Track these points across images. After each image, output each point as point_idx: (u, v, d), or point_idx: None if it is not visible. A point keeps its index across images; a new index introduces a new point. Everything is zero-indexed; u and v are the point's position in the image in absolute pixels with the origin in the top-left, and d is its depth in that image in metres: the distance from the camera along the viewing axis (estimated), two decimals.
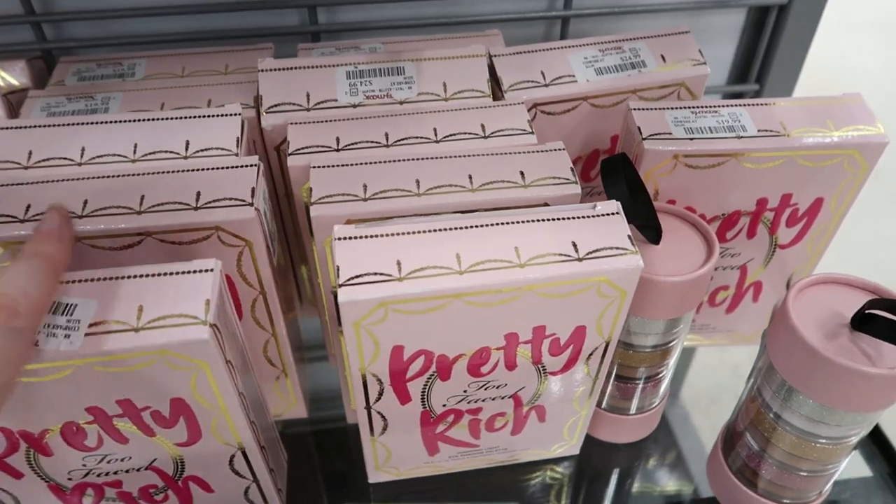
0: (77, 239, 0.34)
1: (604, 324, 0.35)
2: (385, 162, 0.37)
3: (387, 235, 0.33)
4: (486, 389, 0.38)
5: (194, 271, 0.30)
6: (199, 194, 0.35)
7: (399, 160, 0.37)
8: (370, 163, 0.37)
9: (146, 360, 0.28)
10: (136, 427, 0.31)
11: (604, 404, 0.45)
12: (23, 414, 0.30)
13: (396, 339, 0.33)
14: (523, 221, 0.34)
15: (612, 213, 0.34)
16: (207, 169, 0.36)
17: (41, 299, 0.27)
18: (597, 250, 0.32)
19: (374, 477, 0.44)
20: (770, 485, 0.40)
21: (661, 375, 0.44)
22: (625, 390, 0.44)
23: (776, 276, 0.49)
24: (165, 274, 0.30)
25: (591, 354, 0.37)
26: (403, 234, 0.33)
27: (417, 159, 0.37)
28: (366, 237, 0.33)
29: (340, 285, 0.31)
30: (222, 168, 0.36)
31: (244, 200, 0.35)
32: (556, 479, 0.47)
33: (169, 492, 0.36)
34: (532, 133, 0.39)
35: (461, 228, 0.33)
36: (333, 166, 0.37)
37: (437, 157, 0.37)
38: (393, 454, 0.42)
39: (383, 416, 0.38)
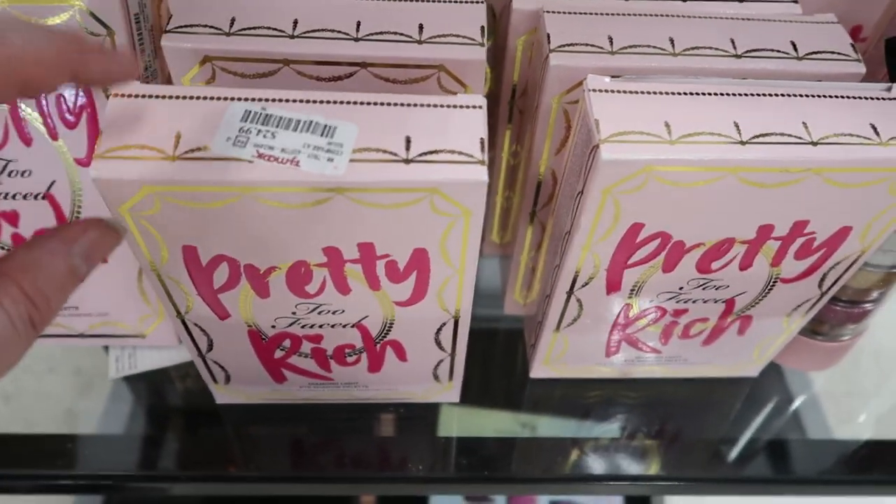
0: (286, 62, 0.30)
1: (873, 228, 0.30)
2: (630, 15, 0.32)
3: (650, 93, 0.28)
4: (703, 289, 0.34)
5: (460, 106, 0.26)
6: (421, 27, 0.30)
7: (646, 14, 0.32)
8: (612, 14, 0.32)
9: (412, 198, 0.24)
10: (364, 277, 0.28)
11: None
12: (258, 246, 0.26)
13: (641, 215, 0.29)
14: (808, 95, 0.28)
15: None
16: (428, 1, 0.31)
17: (21, 56, 0.17)
18: None
19: (537, 372, 0.41)
20: None
21: (871, 303, 0.39)
22: (828, 312, 0.39)
23: None
24: (430, 105, 0.26)
25: (836, 265, 0.32)
26: (670, 93, 0.28)
27: (668, 16, 0.32)
28: (625, 92, 0.28)
29: (602, 142, 0.26)
30: (445, 1, 0.31)
31: (473, 39, 0.30)
32: (725, 402, 0.43)
33: (363, 355, 0.34)
34: (797, 2, 0.33)
35: (737, 95, 0.28)
36: (569, 13, 0.32)
37: (690, 17, 0.32)
38: (569, 350, 0.39)
39: (581, 305, 0.35)
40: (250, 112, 0.25)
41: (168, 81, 0.36)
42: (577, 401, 0.43)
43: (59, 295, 0.19)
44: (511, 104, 0.38)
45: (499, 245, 0.47)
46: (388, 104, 0.26)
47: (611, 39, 0.31)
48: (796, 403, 0.44)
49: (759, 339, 0.38)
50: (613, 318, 0.36)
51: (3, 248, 0.37)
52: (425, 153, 0.25)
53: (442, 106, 0.26)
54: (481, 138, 0.25)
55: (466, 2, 0.31)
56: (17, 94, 0.18)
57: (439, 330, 0.33)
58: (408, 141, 0.25)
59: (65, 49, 0.19)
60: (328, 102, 0.26)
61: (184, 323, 0.31)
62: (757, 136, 0.27)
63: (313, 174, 0.24)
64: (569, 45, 0.30)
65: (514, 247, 0.41)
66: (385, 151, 0.25)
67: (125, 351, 0.42)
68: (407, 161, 0.24)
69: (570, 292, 0.34)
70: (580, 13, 0.32)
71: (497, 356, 0.45)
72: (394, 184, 0.24)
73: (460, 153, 0.25)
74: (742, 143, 0.27)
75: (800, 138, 0.27)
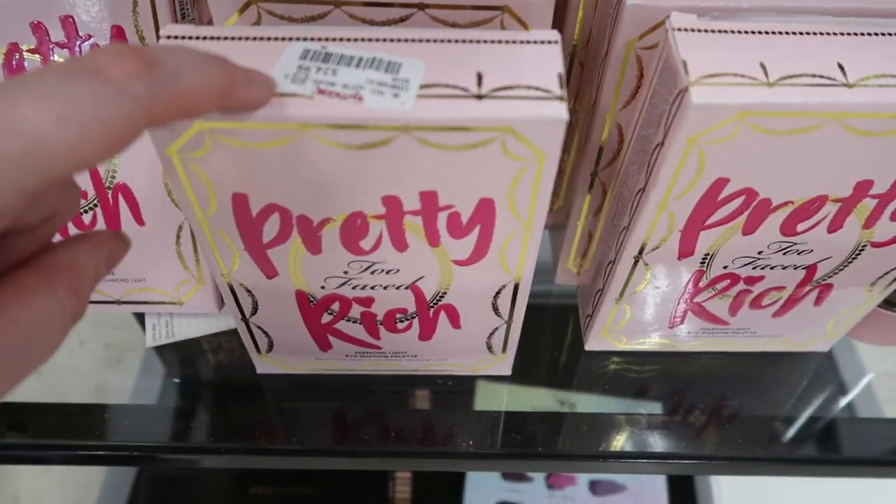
0: (337, 4, 0.27)
1: None
2: None
3: (741, 32, 0.25)
4: (784, 254, 0.31)
5: (534, 41, 0.24)
6: None
7: None
8: None
9: (483, 138, 0.22)
10: (423, 231, 0.26)
11: None
12: (313, 194, 0.24)
13: (727, 169, 0.26)
14: None
15: None
16: None
17: (187, 92, 0.18)
18: None
19: (593, 344, 0.39)
20: None
21: None
22: None
23: None
24: (500, 41, 0.23)
25: None
26: (764, 32, 0.25)
27: None
28: (713, 31, 0.25)
29: (692, 83, 0.24)
30: None
31: None
32: (788, 378, 0.41)
33: (414, 321, 0.32)
34: None
35: (839, 34, 0.25)
36: None
37: None
38: (630, 320, 0.36)
39: (648, 270, 0.32)
40: (309, 51, 0.23)
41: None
42: (631, 375, 0.41)
43: (90, 293, 0.20)
44: (572, 58, 0.35)
45: (548, 212, 0.45)
46: (455, 41, 0.24)
47: None
48: (864, 381, 0.42)
49: (836, 310, 0.36)
50: (682, 286, 0.33)
51: None
52: (499, 88, 0.22)
53: (513, 42, 0.24)
54: (559, 73, 0.23)
55: None
56: (174, 121, 0.19)
57: (498, 294, 0.31)
58: (479, 77, 0.23)
59: (223, 84, 0.19)
60: (391, 40, 0.24)
61: (228, 284, 0.29)
62: (865, 78, 0.24)
63: (378, 110, 0.22)
64: None
65: (568, 213, 0.39)
66: (455, 87, 0.22)
67: (162, 318, 0.40)
68: (479, 97, 0.22)
69: (639, 257, 0.31)
70: None
71: (548, 328, 0.43)
72: (465, 121, 0.22)
73: (537, 88, 0.22)
74: (848, 85, 0.24)
75: None
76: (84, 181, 0.35)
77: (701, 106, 0.24)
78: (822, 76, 0.24)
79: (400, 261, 0.28)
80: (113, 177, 0.34)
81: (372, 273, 0.29)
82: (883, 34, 0.25)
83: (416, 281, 0.29)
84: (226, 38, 0.24)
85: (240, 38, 0.24)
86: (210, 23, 0.34)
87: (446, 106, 0.22)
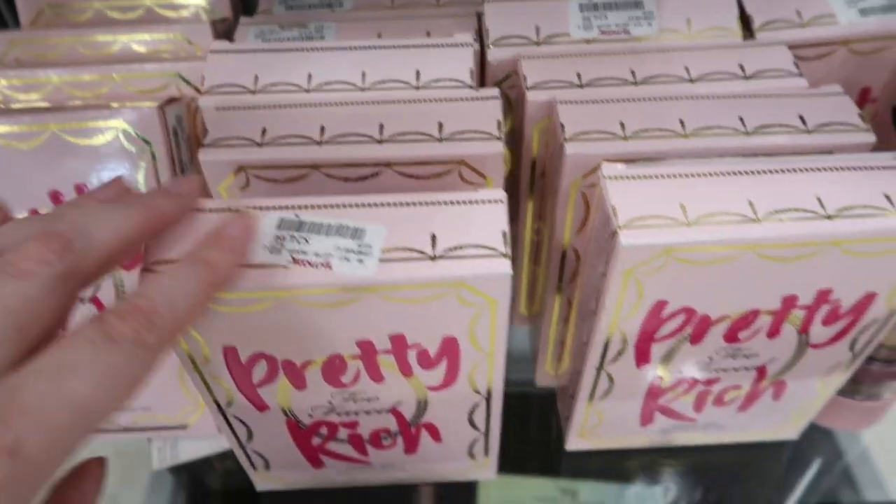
0: (315, 167, 0.32)
1: None
2: (639, 100, 0.33)
3: (664, 177, 0.29)
4: (733, 358, 0.34)
5: (482, 201, 0.27)
6: (441, 125, 0.32)
7: (655, 98, 0.33)
8: (622, 100, 0.33)
9: (439, 292, 0.26)
10: (397, 365, 0.29)
11: None
12: (294, 343, 0.28)
13: (663, 293, 0.29)
14: (819, 169, 0.29)
15: None
16: (446, 100, 0.33)
17: (186, 316, 0.22)
18: None
19: (572, 444, 0.41)
20: None
21: None
22: (864, 373, 0.39)
23: None
24: (452, 202, 0.27)
25: (865, 328, 0.32)
26: (683, 175, 0.29)
27: (676, 98, 0.33)
28: (639, 177, 0.29)
29: (620, 227, 0.27)
30: (462, 100, 0.33)
31: (491, 134, 0.32)
32: (769, 465, 0.43)
33: (398, 438, 0.34)
34: (801, 76, 0.35)
35: (749, 173, 0.29)
36: (581, 102, 0.33)
37: (698, 98, 0.33)
38: (603, 421, 0.39)
39: (611, 379, 0.35)
40: (284, 219, 0.27)
41: (205, 186, 0.39)
42: (613, 470, 0.43)
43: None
44: (531, 182, 0.39)
45: (527, 317, 0.48)
46: (413, 203, 0.28)
47: (623, 125, 0.32)
48: (838, 464, 0.43)
49: (795, 402, 0.38)
50: (645, 389, 0.36)
51: None
52: (450, 249, 0.26)
53: (464, 202, 0.28)
54: (503, 231, 0.26)
55: (481, 98, 0.33)
56: (111, 271, 0.22)
57: (472, 411, 0.33)
58: (433, 238, 0.26)
59: (144, 218, 0.23)
60: (357, 206, 0.27)
61: (224, 416, 0.32)
62: (771, 213, 0.28)
63: (346, 276, 0.25)
64: (582, 133, 0.32)
65: (543, 319, 0.42)
66: (412, 250, 0.26)
67: (167, 442, 0.43)
68: (433, 258, 0.26)
69: (601, 367, 0.34)
70: (592, 101, 0.33)
71: (532, 426, 0.45)
72: (422, 280, 0.25)
73: (484, 247, 0.26)
74: (757, 220, 0.27)
75: (815, 213, 0.28)
76: None
77: (629, 246, 0.27)
78: (734, 213, 0.28)
79: (378, 390, 0.31)
80: None
81: (354, 401, 0.32)
82: (787, 170, 0.29)
83: (395, 405, 0.32)
84: (210, 210, 0.27)
85: (225, 210, 0.27)
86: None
87: (405, 268, 0.25)
